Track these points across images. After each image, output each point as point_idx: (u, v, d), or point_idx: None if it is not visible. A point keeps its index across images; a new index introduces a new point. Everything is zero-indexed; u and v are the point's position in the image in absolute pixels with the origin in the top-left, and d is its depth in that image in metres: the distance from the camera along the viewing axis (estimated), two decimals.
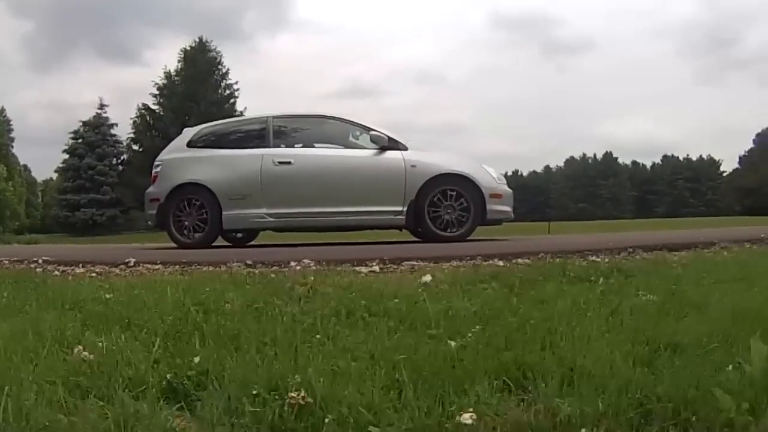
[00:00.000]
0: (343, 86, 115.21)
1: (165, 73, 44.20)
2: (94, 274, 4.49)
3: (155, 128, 42.35)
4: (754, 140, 73.96)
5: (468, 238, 7.07)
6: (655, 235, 7.40)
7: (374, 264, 4.40)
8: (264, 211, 7.33)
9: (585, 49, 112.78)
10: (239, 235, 8.33)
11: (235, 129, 8.11)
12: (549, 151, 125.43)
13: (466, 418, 1.59)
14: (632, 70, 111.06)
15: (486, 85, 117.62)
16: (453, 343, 2.16)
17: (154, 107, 43.41)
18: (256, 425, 1.65)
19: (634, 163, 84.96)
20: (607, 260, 4.42)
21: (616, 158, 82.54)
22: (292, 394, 1.68)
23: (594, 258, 4.59)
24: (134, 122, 43.80)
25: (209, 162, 7.57)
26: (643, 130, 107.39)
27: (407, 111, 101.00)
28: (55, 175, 47.81)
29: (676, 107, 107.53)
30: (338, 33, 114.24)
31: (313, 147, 7.70)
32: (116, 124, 44.48)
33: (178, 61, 44.48)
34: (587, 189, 76.19)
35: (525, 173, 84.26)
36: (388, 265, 4.42)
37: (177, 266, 4.72)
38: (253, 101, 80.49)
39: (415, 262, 4.47)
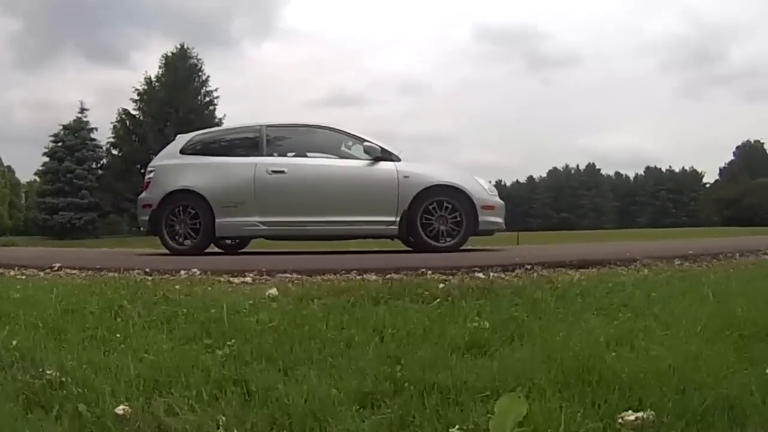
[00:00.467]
0: (328, 94, 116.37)
1: (146, 78, 44.70)
2: (24, 276, 4.80)
3: (135, 133, 42.88)
4: (734, 152, 76.43)
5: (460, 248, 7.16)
6: (575, 249, 7.23)
7: (249, 275, 4.49)
8: (257, 219, 7.39)
9: (570, 63, 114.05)
10: (231, 242, 8.35)
11: (228, 137, 8.16)
12: (532, 162, 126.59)
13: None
14: (616, 85, 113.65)
15: (471, 97, 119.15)
16: (219, 353, 2.44)
17: (134, 112, 43.85)
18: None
19: (617, 174, 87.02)
20: (479, 277, 4.21)
21: (599, 169, 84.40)
22: (48, 372, 2.18)
23: (478, 274, 4.34)
24: (114, 127, 44.14)
25: (202, 169, 7.62)
26: (626, 143, 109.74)
27: (391, 120, 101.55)
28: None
29: (659, 121, 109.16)
30: (324, 41, 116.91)
31: (305, 156, 7.78)
32: (96, 129, 44.66)
33: (159, 67, 45.05)
34: (569, 199, 77.36)
35: (508, 183, 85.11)
36: (264, 276, 4.50)
37: (90, 272, 4.98)
38: (238, 108, 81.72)
39: (288, 275, 4.49)
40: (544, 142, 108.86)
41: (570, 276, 4.16)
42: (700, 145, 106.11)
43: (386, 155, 7.36)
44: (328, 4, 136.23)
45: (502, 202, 7.65)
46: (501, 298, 3.32)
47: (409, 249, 7.56)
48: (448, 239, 7.17)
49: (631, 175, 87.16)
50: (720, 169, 77.70)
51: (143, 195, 7.83)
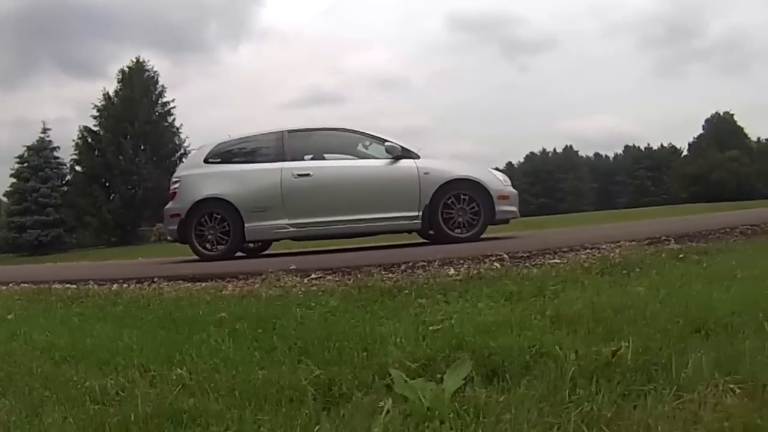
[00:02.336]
0: (305, 94, 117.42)
1: (104, 94, 45.99)
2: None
3: (96, 149, 44.30)
4: (703, 126, 75.83)
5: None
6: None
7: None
8: (285, 221, 7.85)
9: (546, 48, 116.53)
10: (254, 245, 8.78)
11: (249, 144, 8.52)
12: (513, 149, 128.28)
13: None
14: (594, 66, 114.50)
15: (447, 87, 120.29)
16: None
17: (95, 128, 45.16)
18: None
19: (597, 155, 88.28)
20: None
21: (576, 151, 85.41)
22: None
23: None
24: (77, 144, 45.39)
25: (228, 177, 8.05)
26: (606, 125, 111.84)
27: (368, 116, 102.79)
28: None
29: (638, 100, 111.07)
30: (298, 42, 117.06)
31: (324, 158, 8.25)
32: (59, 147, 46.34)
33: (118, 82, 46.33)
34: (547, 184, 78.08)
35: None
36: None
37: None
38: (218, 113, 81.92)
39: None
40: (523, 128, 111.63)
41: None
42: (678, 121, 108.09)
43: (406, 153, 7.88)
44: (302, 4, 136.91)
45: (516, 191, 8.21)
46: None
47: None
48: (467, 229, 7.69)
49: (611, 156, 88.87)
50: (689, 144, 78.13)
51: (170, 205, 8.23)
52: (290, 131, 8.28)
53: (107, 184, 43.34)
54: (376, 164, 7.96)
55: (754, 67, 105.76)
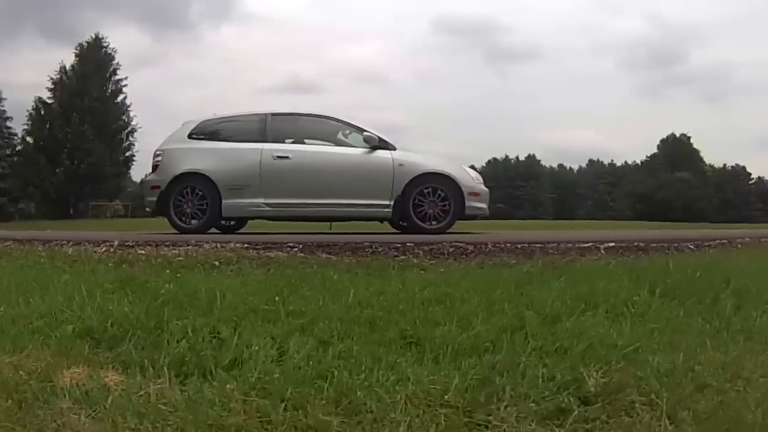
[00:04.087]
0: (284, 81, 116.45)
1: (61, 67, 46.73)
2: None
3: (47, 121, 45.05)
4: (658, 146, 77.58)
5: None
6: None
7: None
8: (261, 201, 8.26)
9: (529, 58, 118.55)
10: (231, 222, 9.15)
11: (234, 123, 8.92)
12: (483, 154, 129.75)
13: None
14: (575, 82, 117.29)
15: (426, 89, 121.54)
16: None
17: (49, 101, 45.87)
18: None
19: (561, 166, 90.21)
20: None
21: (539, 161, 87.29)
22: None
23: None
24: (30, 115, 46.00)
25: (210, 153, 8.42)
26: (583, 140, 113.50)
27: (345, 109, 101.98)
28: None
29: (615, 118, 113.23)
30: (282, 28, 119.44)
31: (303, 143, 8.67)
32: (11, 118, 47.49)
33: (75, 56, 47.28)
34: (506, 190, 79.25)
35: None
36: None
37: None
38: (195, 93, 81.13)
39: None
40: (497, 135, 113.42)
41: None
42: (656, 142, 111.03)
43: (383, 144, 8.38)
44: None
45: (487, 189, 8.79)
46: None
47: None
48: (436, 222, 8.20)
49: (575, 168, 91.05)
50: (641, 163, 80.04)
51: (151, 176, 8.58)
52: (274, 114, 8.70)
53: (54, 157, 43.60)
54: (354, 152, 8.43)
55: (732, 98, 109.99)
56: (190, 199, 8.25)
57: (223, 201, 8.21)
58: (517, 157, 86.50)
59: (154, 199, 8.37)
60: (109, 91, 47.66)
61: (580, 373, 2.23)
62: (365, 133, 8.40)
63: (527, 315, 2.90)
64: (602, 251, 5.56)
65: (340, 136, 8.71)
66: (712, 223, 39.66)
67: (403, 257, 5.08)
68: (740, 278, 3.74)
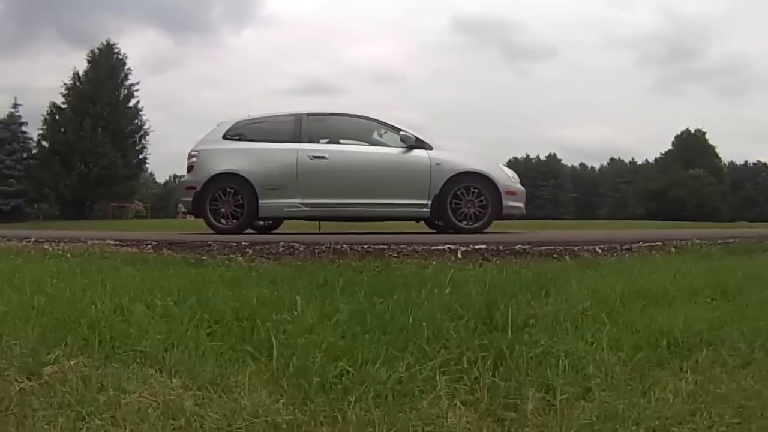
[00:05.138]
0: (302, 83, 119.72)
1: (74, 73, 47.94)
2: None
3: (61, 126, 46.31)
4: (672, 142, 75.28)
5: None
6: None
7: None
8: (298, 200, 8.27)
9: (546, 56, 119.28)
10: (267, 223, 9.17)
11: (269, 124, 8.94)
12: (505, 153, 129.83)
13: None
14: (592, 78, 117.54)
15: (445, 86, 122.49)
16: None
17: (63, 106, 47.05)
18: None
19: (582, 165, 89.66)
20: None
21: (560, 160, 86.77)
22: None
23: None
24: (45, 119, 47.34)
25: (246, 154, 8.44)
26: (600, 137, 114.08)
27: (364, 108, 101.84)
28: None
29: (634, 115, 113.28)
30: (301, 30, 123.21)
31: (339, 143, 8.67)
32: (26, 123, 49.30)
33: (88, 63, 48.30)
34: (527, 190, 78.06)
35: None
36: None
37: None
38: (214, 94, 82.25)
39: None
40: (516, 133, 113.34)
41: None
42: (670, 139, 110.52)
43: (420, 143, 8.36)
44: None
45: (523, 188, 8.75)
46: None
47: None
48: (474, 221, 8.18)
49: (596, 167, 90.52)
50: (655, 160, 77.91)
51: (186, 178, 8.60)
52: (309, 114, 8.71)
53: (67, 161, 44.63)
54: (390, 152, 8.42)
55: (751, 93, 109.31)
56: (226, 200, 8.27)
57: (260, 201, 8.21)
58: (537, 156, 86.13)
59: (190, 199, 8.38)
60: (122, 95, 48.71)
61: None
62: (402, 133, 8.38)
63: None
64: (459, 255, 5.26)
65: (375, 135, 8.70)
66: (715, 222, 37.45)
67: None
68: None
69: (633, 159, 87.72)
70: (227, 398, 1.89)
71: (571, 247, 5.54)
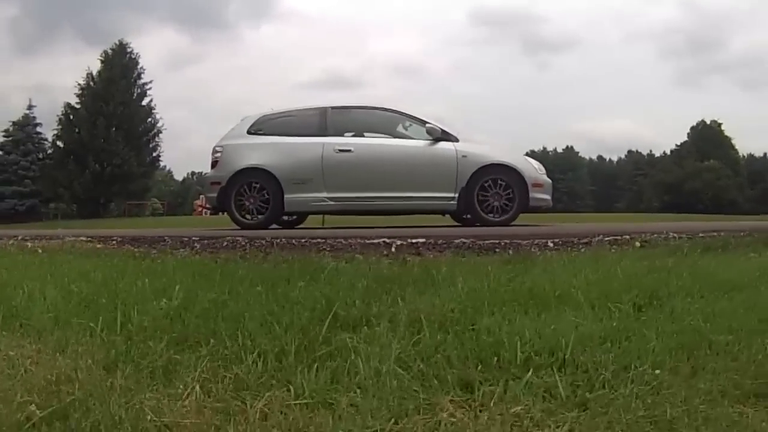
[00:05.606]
0: (323, 76, 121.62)
1: (88, 74, 48.78)
2: None
3: (76, 126, 47.18)
4: (688, 134, 74.76)
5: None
6: None
7: None
8: (324, 195, 8.23)
9: (567, 48, 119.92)
10: (289, 218, 9.14)
11: (293, 118, 8.89)
12: (525, 146, 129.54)
13: None
14: (614, 70, 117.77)
15: (464, 81, 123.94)
16: None
17: (77, 106, 47.84)
18: None
19: (600, 158, 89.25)
20: None
21: (578, 152, 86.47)
22: None
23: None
24: (59, 120, 48.11)
25: (271, 148, 8.41)
26: (622, 130, 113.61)
27: (386, 102, 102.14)
28: None
29: (656, 108, 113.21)
30: (321, 24, 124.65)
31: (364, 136, 8.62)
32: (41, 123, 50.60)
33: (101, 63, 49.19)
34: None
35: None
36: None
37: None
38: (235, 89, 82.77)
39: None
40: (535, 126, 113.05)
41: None
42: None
43: (446, 136, 8.29)
44: None
45: (550, 180, 8.66)
46: None
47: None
48: (501, 214, 8.11)
49: (614, 159, 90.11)
50: (671, 151, 77.50)
51: (211, 173, 8.58)
52: (333, 108, 8.67)
53: (81, 160, 45.29)
54: (416, 144, 8.35)
55: None
56: (252, 195, 8.26)
57: (286, 196, 8.18)
58: (555, 149, 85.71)
59: (215, 195, 8.37)
60: (135, 94, 49.45)
61: None
62: (428, 125, 8.31)
63: None
64: (393, 249, 5.18)
65: (399, 128, 8.65)
66: (730, 215, 33.75)
67: None
68: None
69: (651, 151, 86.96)
70: (62, 361, 2.18)
71: (518, 242, 5.29)
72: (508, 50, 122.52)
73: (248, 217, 8.25)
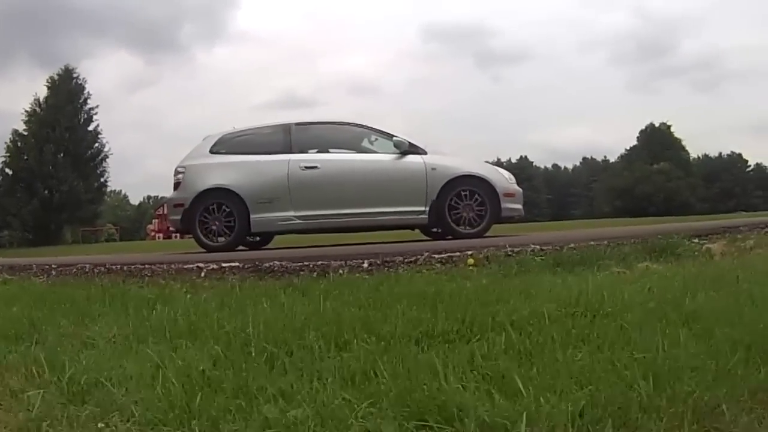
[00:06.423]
0: (279, 97, 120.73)
1: (35, 99, 47.85)
2: None
3: (23, 152, 46.20)
4: (637, 137, 75.20)
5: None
6: None
7: None
8: (292, 213, 8.04)
9: (520, 60, 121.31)
10: (256, 238, 8.91)
11: (256, 135, 8.68)
12: (481, 158, 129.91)
13: None
14: (568, 80, 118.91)
15: (420, 96, 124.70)
16: None
17: (24, 132, 46.85)
18: None
19: (555, 166, 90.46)
20: None
21: (531, 162, 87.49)
22: None
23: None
24: (7, 146, 46.80)
25: (235, 167, 8.19)
26: (578, 137, 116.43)
27: (344, 119, 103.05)
28: None
29: (612, 114, 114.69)
30: (273, 45, 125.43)
31: (329, 152, 8.47)
32: None
33: (48, 88, 48.17)
34: None
35: None
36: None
37: None
38: (191, 112, 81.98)
39: None
40: (495, 138, 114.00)
41: None
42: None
43: (414, 149, 8.19)
44: (278, 8, 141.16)
45: (521, 189, 8.62)
46: None
47: None
48: (473, 226, 8.01)
49: (570, 167, 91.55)
50: (620, 156, 77.61)
51: (174, 195, 8.31)
52: (297, 124, 8.50)
53: (30, 187, 44.56)
54: (384, 158, 8.23)
55: (724, 86, 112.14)
56: (217, 216, 8.01)
57: (252, 216, 7.96)
58: (509, 159, 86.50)
59: (178, 217, 8.11)
60: (81, 120, 48.68)
61: None
62: (395, 138, 8.20)
63: None
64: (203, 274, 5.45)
65: (365, 143, 8.51)
66: (678, 216, 34.23)
67: None
68: None
69: (605, 157, 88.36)
70: None
71: (326, 263, 5.25)
72: (462, 64, 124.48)
73: (214, 239, 8.01)
